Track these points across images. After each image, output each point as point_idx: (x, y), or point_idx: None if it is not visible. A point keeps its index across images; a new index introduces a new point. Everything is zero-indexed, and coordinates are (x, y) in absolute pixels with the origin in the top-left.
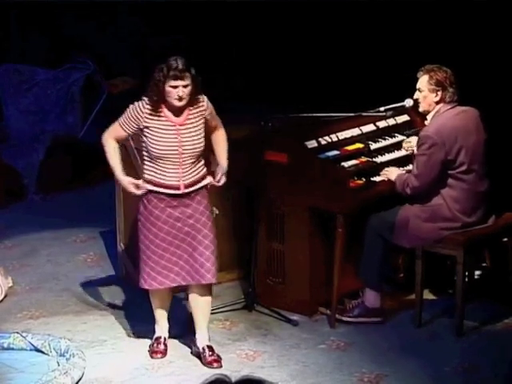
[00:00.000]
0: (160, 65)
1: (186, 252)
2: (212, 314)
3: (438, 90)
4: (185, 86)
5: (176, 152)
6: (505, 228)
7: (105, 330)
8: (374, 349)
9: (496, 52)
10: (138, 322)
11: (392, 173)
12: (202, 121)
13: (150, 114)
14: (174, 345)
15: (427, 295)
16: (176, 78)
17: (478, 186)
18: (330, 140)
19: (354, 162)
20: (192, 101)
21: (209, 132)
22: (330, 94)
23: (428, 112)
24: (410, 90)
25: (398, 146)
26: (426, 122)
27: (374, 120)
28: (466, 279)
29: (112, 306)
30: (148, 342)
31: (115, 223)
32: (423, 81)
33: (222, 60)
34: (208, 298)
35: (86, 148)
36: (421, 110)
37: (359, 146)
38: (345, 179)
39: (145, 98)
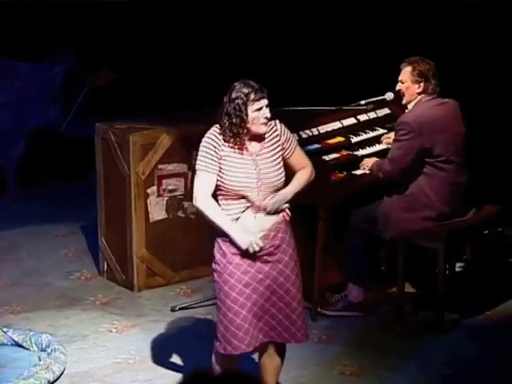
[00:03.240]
0: (229, 96)
1: (269, 308)
2: (192, 308)
3: (421, 82)
4: (267, 106)
5: (254, 186)
6: (485, 221)
7: (86, 325)
8: (355, 342)
9: (477, 47)
10: (120, 316)
11: (369, 161)
12: (279, 149)
13: (225, 142)
14: (159, 339)
15: (409, 288)
16: (260, 99)
17: (457, 177)
18: (311, 133)
19: (335, 155)
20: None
21: (292, 168)
22: (310, 87)
23: (410, 102)
24: (391, 83)
25: (378, 139)
26: (406, 111)
27: (354, 113)
28: (447, 272)
29: (94, 301)
30: (129, 336)
31: (96, 218)
32: (406, 72)
33: (205, 54)
34: (283, 358)
35: (67, 142)
36: (404, 102)
37: (340, 139)
38: (327, 172)
39: (215, 128)
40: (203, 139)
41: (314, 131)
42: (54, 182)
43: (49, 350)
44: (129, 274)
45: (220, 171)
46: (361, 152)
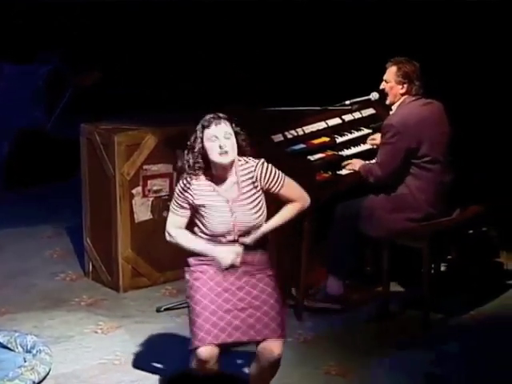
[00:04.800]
0: None
1: (237, 308)
2: (177, 309)
3: (405, 83)
4: (227, 137)
5: (230, 230)
6: (470, 220)
7: (71, 326)
8: (340, 342)
9: (462, 47)
10: (105, 317)
11: (355, 163)
12: (259, 193)
13: (199, 190)
14: (144, 340)
15: (394, 287)
16: (210, 125)
17: (443, 177)
18: (296, 134)
19: (320, 155)
20: (241, 167)
21: (282, 200)
22: (295, 87)
23: (393, 103)
24: (375, 83)
25: (363, 139)
26: (391, 112)
27: (339, 113)
28: (433, 271)
29: (79, 302)
30: (115, 337)
31: (82, 218)
32: (391, 72)
33: (188, 56)
34: (273, 363)
35: (53, 142)
36: (387, 102)
37: (325, 139)
38: (312, 172)
39: (187, 175)
40: (178, 183)
41: (299, 131)
42: (40, 183)
43: (34, 352)
44: (114, 275)
45: (198, 215)
46: (346, 152)
